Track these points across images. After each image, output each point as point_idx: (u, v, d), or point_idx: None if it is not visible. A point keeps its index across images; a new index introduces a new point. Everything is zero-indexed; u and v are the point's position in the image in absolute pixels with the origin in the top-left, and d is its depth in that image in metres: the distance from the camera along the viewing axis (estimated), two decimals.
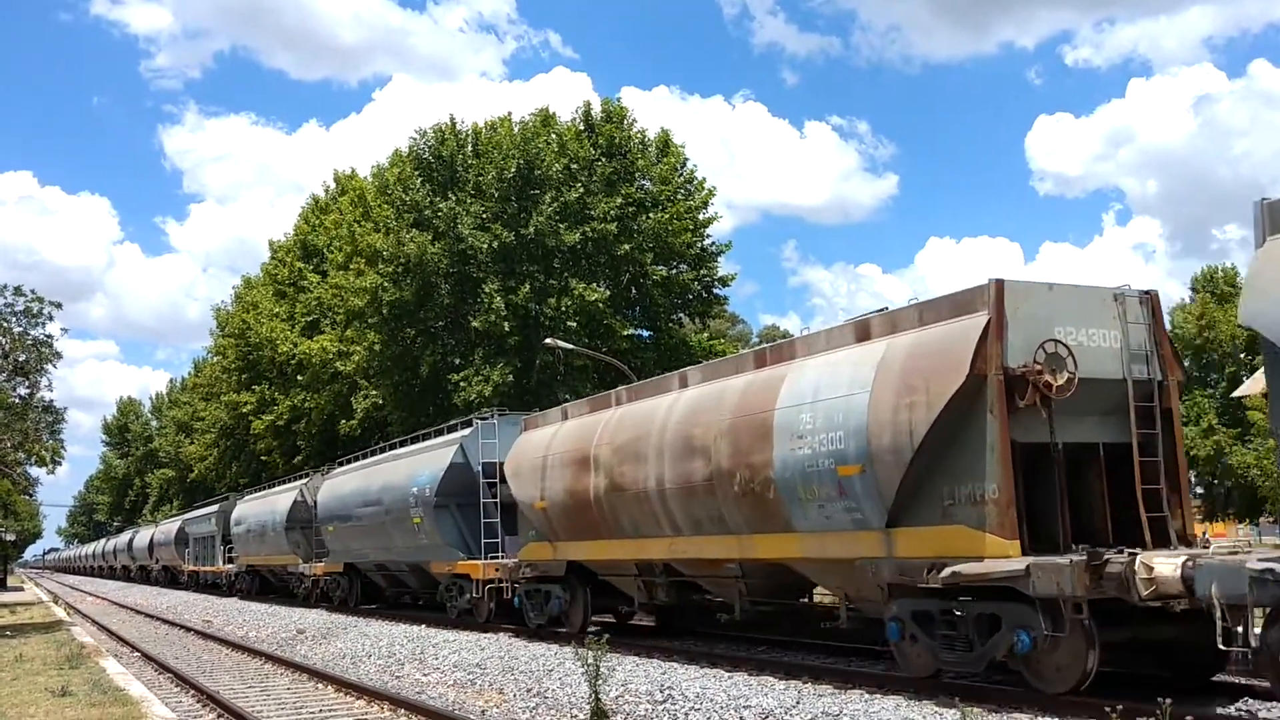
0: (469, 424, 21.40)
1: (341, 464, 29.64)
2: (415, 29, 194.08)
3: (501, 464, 19.16)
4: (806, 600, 15.44)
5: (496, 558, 19.69)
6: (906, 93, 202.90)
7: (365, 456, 27.53)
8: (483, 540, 19.81)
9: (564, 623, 17.50)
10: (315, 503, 29.28)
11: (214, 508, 42.99)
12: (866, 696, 10.26)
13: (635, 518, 14.91)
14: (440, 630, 19.90)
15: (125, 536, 73.81)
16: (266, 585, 37.34)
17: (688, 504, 13.65)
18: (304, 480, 32.22)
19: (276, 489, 35.17)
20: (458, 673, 14.86)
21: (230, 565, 39.55)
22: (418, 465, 22.24)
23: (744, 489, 12.40)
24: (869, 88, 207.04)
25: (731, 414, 12.88)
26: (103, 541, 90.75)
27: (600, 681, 11.01)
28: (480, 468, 20.17)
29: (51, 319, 27.91)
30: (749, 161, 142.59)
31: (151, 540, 58.38)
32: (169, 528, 54.14)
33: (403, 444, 25.46)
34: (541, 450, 17.38)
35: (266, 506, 34.38)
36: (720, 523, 13.07)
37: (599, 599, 17.34)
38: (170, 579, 54.32)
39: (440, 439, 22.41)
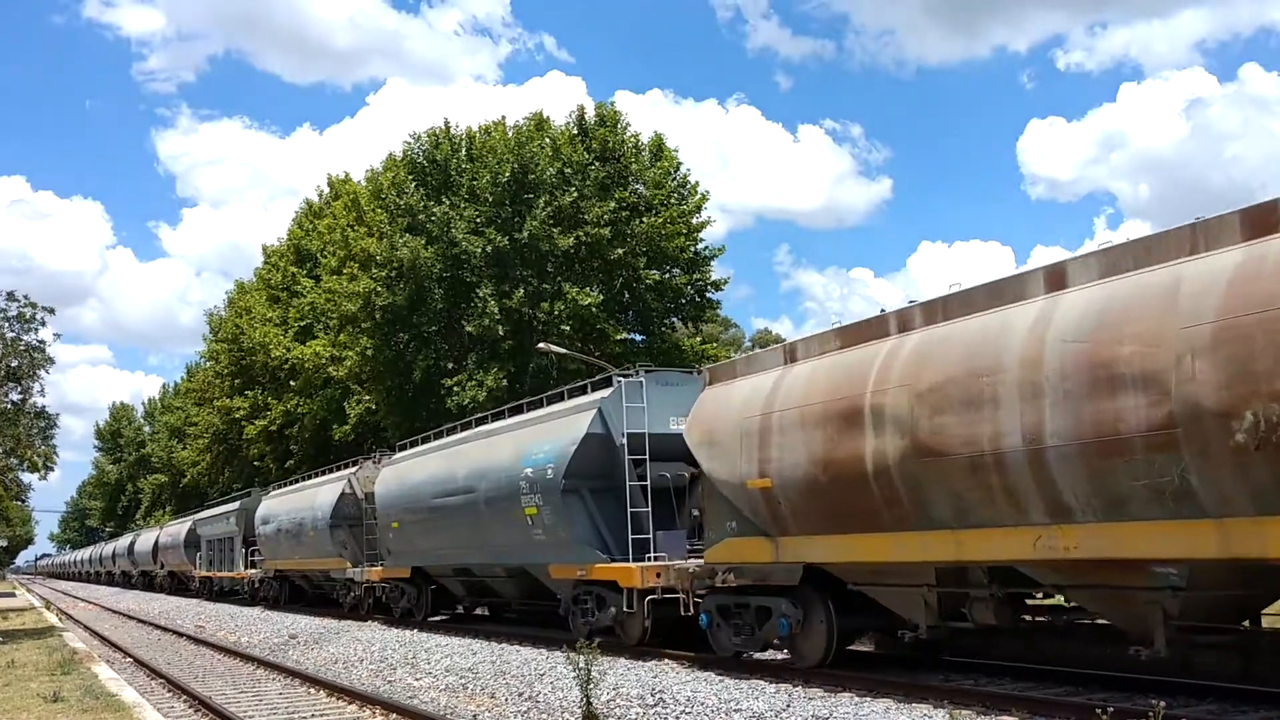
0: (606, 383, 16.62)
1: (403, 447, 24.97)
2: (410, 32, 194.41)
3: (649, 435, 15.48)
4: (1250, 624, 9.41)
5: (648, 559, 15.24)
6: (900, 96, 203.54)
7: (436, 439, 22.85)
8: (630, 536, 15.33)
9: (795, 651, 12.44)
10: (367, 495, 25.21)
11: (233, 505, 38.53)
12: (856, 700, 10.30)
13: (963, 497, 9.71)
14: (432, 635, 19.90)
15: (125, 540, 69.97)
16: (298, 593, 33.14)
17: (1100, 470, 8.52)
18: (352, 469, 27.31)
19: (315, 481, 30.42)
20: (449, 677, 14.88)
21: (254, 570, 35.28)
22: (534, 440, 17.33)
23: (1257, 439, 7.54)
24: (862, 91, 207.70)
25: (1219, 314, 7.85)
26: (100, 546, 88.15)
27: (592, 686, 11.04)
28: (625, 441, 15.63)
29: (44, 324, 27.92)
30: (742, 165, 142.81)
31: (156, 543, 54.46)
32: (176, 529, 49.91)
33: (485, 419, 20.78)
34: (757, 408, 12.21)
35: (303, 502, 29.57)
36: (1178, 499, 8.08)
37: (844, 617, 12.08)
38: (177, 586, 50.89)
39: (565, 404, 17.56)
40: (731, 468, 12.47)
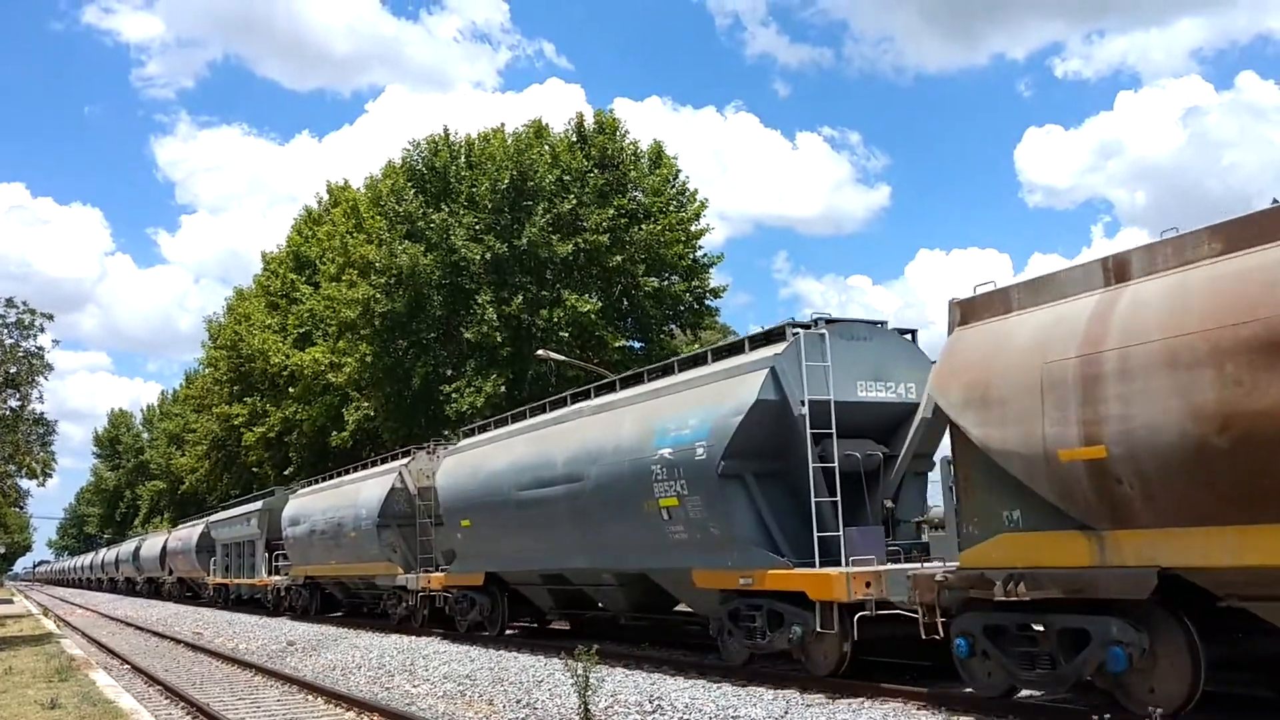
0: (776, 335, 12.85)
1: (468, 434, 21.60)
2: (409, 39, 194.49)
3: (835, 403, 12.13)
4: None
5: (835, 563, 11.77)
6: (898, 103, 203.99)
7: (495, 426, 19.88)
8: (816, 534, 11.94)
9: (1128, 693, 8.67)
10: (421, 490, 22.61)
11: (254, 506, 34.84)
12: (855, 706, 10.28)
13: None
14: (430, 641, 19.86)
15: (129, 545, 66.30)
16: (331, 602, 29.92)
17: None
18: (404, 461, 23.94)
19: (357, 476, 26.63)
20: (447, 684, 14.86)
21: (278, 577, 32.01)
22: (674, 411, 13.56)
23: None
24: (861, 99, 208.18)
25: None
26: (100, 552, 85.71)
27: (590, 692, 11.04)
28: (806, 410, 12.14)
29: (43, 330, 28.01)
30: (741, 172, 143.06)
31: (164, 548, 50.88)
32: (187, 533, 46.30)
33: (587, 393, 16.90)
34: (1070, 347, 8.62)
35: (342, 500, 26.20)
36: None
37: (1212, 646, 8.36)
38: (186, 593, 47.91)
39: (717, 365, 13.53)
40: (1024, 433, 8.87)
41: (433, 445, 24.12)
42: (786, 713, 10.10)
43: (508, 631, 19.77)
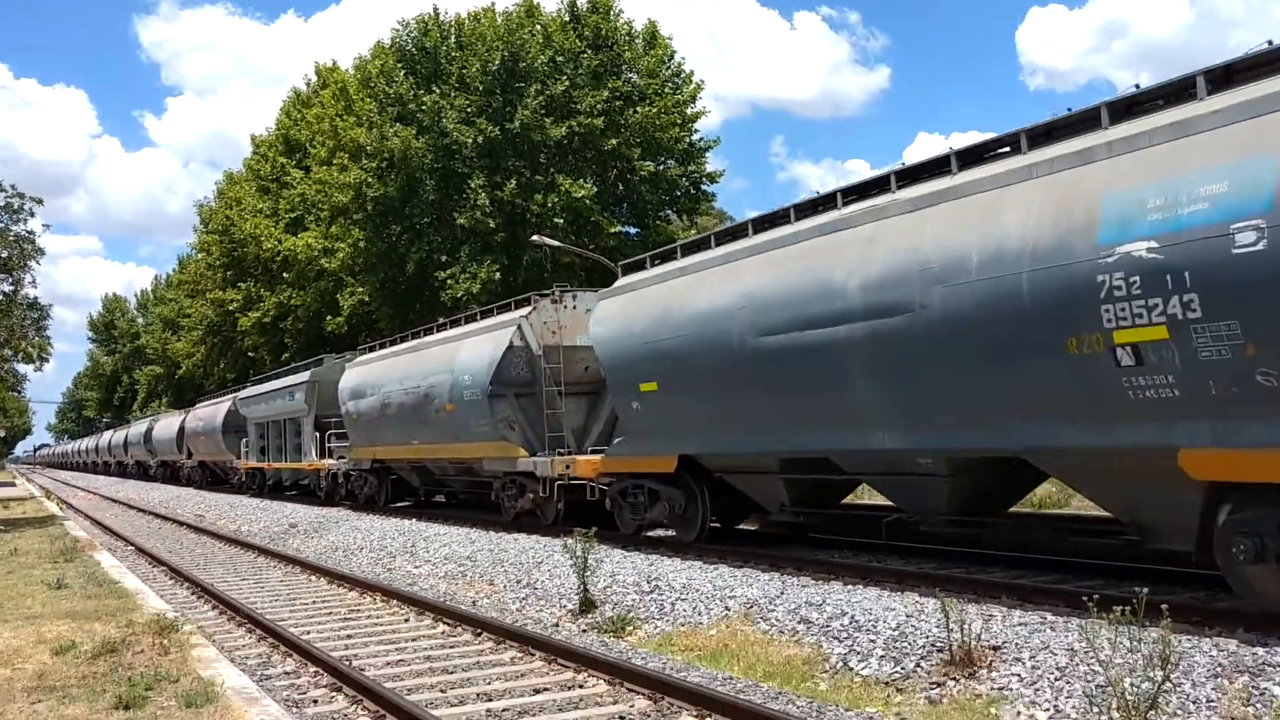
0: None
1: (633, 267, 15.52)
2: None
3: None
4: None
5: None
6: None
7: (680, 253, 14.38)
8: None
9: None
10: (548, 350, 17.75)
11: (300, 377, 29.45)
12: (848, 587, 10.51)
13: None
14: (430, 524, 20.13)
15: (140, 425, 61.08)
16: (403, 489, 24.91)
17: None
18: (523, 312, 18.44)
19: (455, 332, 20.94)
20: (448, 565, 15.15)
21: (336, 461, 27.16)
22: (1137, 180, 8.08)
23: None
24: None
25: None
26: (106, 435, 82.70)
27: (588, 573, 11.26)
28: None
29: (33, 215, 27.68)
30: (737, 53, 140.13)
31: (181, 429, 46.35)
32: (209, 412, 41.31)
33: (873, 186, 11.15)
34: None
35: (429, 364, 20.79)
36: None
37: None
38: (209, 480, 43.67)
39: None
40: None
41: (557, 291, 18.57)
42: (782, 593, 10.32)
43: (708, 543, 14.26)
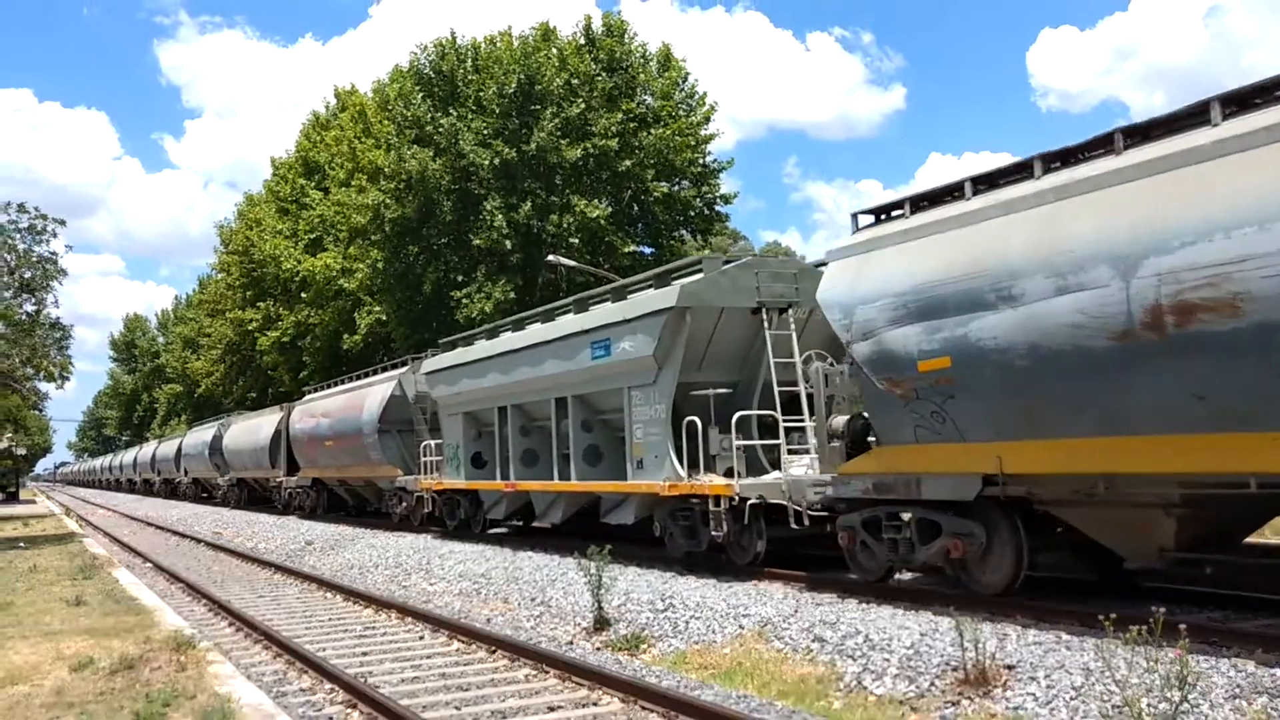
0: None
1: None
2: None
3: None
4: None
5: None
6: (911, 1, 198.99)
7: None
8: None
9: None
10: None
11: (397, 372, 24.89)
12: (863, 606, 10.48)
13: None
14: (446, 542, 20.17)
15: (172, 442, 56.96)
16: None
17: None
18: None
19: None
20: (463, 582, 15.17)
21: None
22: None
23: None
24: None
25: None
26: (120, 454, 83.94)
27: (603, 591, 11.27)
28: None
29: (55, 235, 27.98)
30: (751, 75, 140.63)
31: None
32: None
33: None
34: None
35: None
36: None
37: None
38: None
39: None
40: None
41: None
42: (796, 611, 10.30)
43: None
